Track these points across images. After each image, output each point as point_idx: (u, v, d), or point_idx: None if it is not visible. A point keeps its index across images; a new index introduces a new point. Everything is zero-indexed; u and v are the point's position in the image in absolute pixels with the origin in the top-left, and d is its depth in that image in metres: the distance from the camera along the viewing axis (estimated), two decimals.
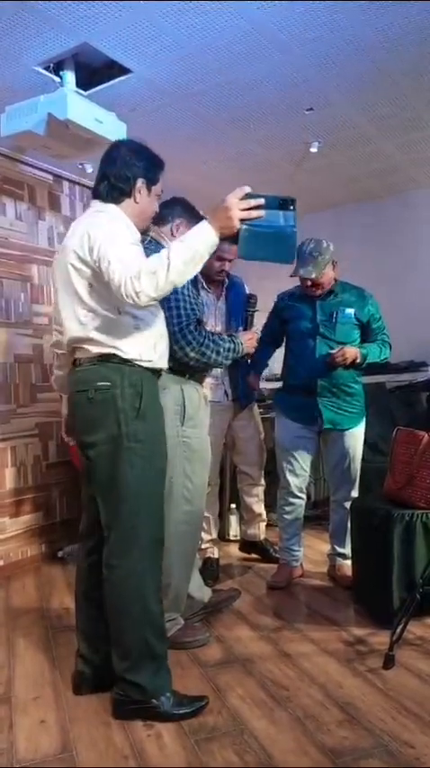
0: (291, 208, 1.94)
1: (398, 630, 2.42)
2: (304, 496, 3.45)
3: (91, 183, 4.48)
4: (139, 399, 2.05)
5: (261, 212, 1.91)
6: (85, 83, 3.06)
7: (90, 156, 3.67)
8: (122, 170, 2.13)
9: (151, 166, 2.18)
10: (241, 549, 3.91)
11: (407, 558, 2.73)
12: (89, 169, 4.11)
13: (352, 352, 3.10)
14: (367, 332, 3.27)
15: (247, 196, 1.91)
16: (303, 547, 3.52)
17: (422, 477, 2.79)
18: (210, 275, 3.35)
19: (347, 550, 3.34)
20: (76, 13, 2.55)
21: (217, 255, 3.15)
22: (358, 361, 3.12)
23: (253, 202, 1.90)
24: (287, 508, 3.43)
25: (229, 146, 3.96)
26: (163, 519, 2.19)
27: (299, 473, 3.37)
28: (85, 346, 2.08)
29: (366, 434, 3.40)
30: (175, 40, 2.76)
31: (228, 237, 1.94)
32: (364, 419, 3.36)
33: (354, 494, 3.35)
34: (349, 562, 3.29)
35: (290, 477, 3.37)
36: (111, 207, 2.13)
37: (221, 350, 2.52)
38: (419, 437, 2.85)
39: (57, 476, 4.16)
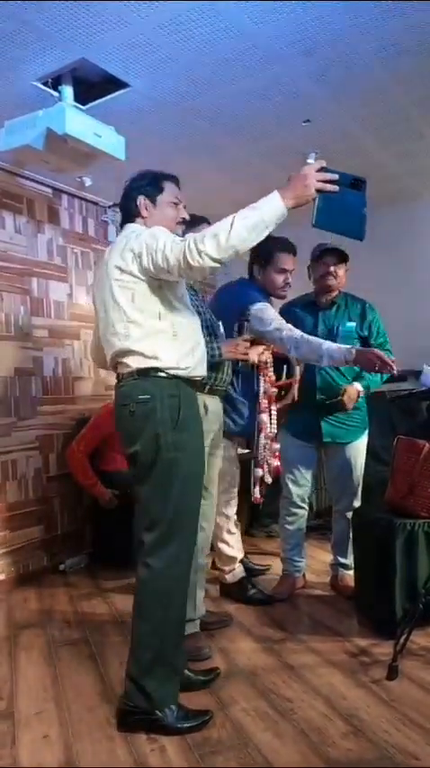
0: (362, 188, 1.98)
1: (402, 641, 2.41)
2: (306, 507, 3.45)
3: (90, 197, 4.55)
4: (178, 411, 2.12)
5: (335, 187, 1.94)
6: (83, 97, 3.07)
7: (89, 169, 3.69)
8: (126, 196, 2.34)
9: (150, 182, 2.31)
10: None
11: (410, 567, 2.72)
12: (88, 182, 4.13)
13: (353, 392, 3.16)
14: (368, 347, 3.26)
15: (323, 170, 1.94)
16: (305, 557, 3.51)
17: (423, 487, 2.79)
18: (274, 291, 3.14)
19: (349, 561, 3.34)
20: (74, 29, 2.57)
21: (280, 269, 3.07)
22: (361, 395, 3.20)
23: (328, 176, 1.94)
24: (289, 518, 3.42)
25: (228, 157, 3.98)
26: (196, 529, 2.25)
27: (301, 483, 3.38)
28: (126, 360, 2.14)
29: (367, 444, 3.40)
30: (172, 55, 2.78)
31: (300, 205, 1.94)
32: (366, 431, 3.37)
33: (357, 504, 3.34)
34: (352, 572, 3.29)
35: (292, 487, 3.38)
36: (136, 225, 2.28)
37: None
38: (420, 446, 2.85)
39: (58, 488, 4.15)
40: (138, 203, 2.29)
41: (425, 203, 4.93)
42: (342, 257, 3.22)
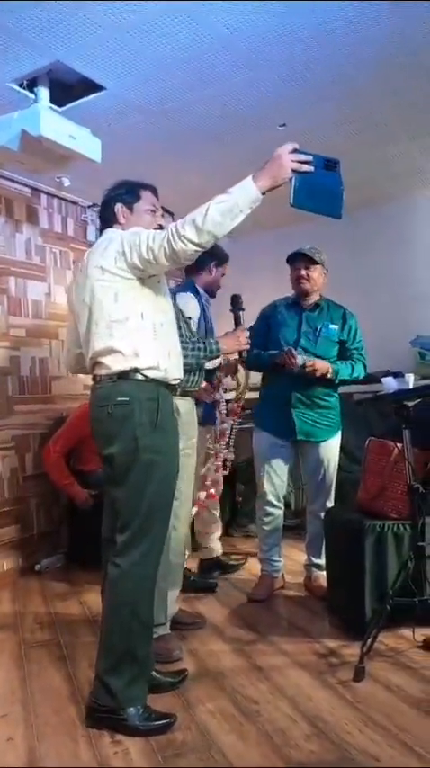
0: (336, 168, 2.01)
1: (369, 642, 2.43)
2: (282, 506, 3.46)
3: (69, 196, 4.53)
4: (156, 414, 2.15)
5: (310, 167, 1.98)
6: (59, 99, 3.07)
7: (65, 171, 3.69)
8: (104, 205, 2.40)
9: (127, 190, 2.37)
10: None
11: (379, 568, 2.74)
12: (67, 183, 4.12)
13: (323, 365, 3.14)
14: (344, 350, 3.32)
15: (295, 151, 1.98)
16: (283, 557, 3.52)
17: (393, 488, 2.81)
18: (213, 289, 3.55)
19: (323, 561, 3.35)
20: (49, 32, 2.57)
21: (223, 274, 3.54)
22: (329, 376, 3.17)
23: (302, 157, 1.98)
24: (266, 518, 3.43)
25: (205, 160, 3.98)
26: (167, 530, 2.28)
27: (275, 482, 3.39)
28: (105, 361, 2.16)
29: (344, 444, 3.43)
30: (146, 58, 2.79)
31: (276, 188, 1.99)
32: (340, 431, 3.39)
33: (330, 504, 3.37)
34: (325, 573, 3.31)
35: (267, 487, 3.39)
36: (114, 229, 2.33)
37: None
38: (390, 448, 2.87)
39: (34, 488, 4.14)
40: (116, 210, 2.34)
41: (400, 207, 4.98)
42: (311, 260, 3.24)
